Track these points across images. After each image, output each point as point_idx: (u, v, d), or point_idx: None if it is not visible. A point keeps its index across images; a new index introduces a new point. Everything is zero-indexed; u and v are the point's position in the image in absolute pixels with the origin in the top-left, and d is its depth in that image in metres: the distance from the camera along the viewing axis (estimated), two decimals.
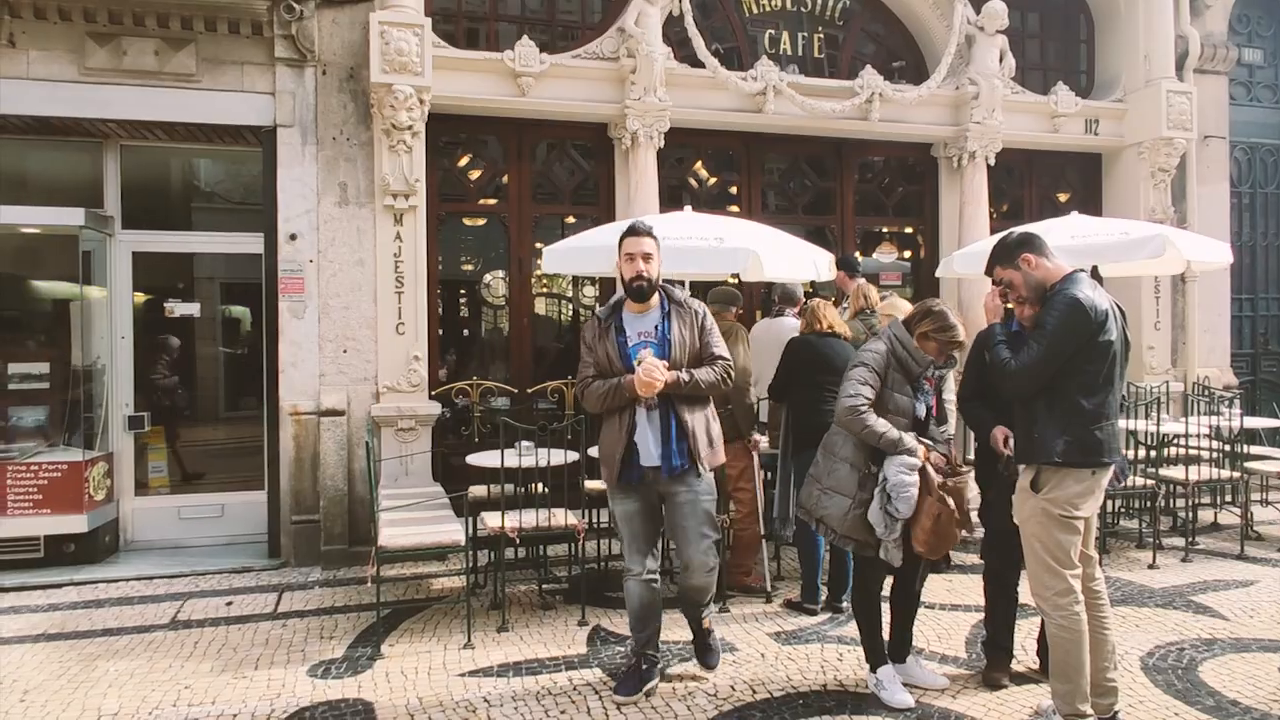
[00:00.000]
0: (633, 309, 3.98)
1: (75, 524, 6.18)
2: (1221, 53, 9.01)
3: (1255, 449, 7.46)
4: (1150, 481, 6.57)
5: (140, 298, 7.20)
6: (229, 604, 5.57)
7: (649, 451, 3.86)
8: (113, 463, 6.62)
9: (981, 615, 4.45)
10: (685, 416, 3.87)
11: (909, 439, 3.87)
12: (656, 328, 3.93)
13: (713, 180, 8.36)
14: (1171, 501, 7.27)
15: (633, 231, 3.96)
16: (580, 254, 5.87)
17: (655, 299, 3.98)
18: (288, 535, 6.45)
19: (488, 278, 8.58)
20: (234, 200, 8.18)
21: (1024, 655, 4.42)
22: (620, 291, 4.03)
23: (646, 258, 3.89)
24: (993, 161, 8.24)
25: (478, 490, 5.81)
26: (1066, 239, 6.00)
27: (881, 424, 3.84)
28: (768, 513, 5.68)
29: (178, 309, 7.18)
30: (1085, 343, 3.39)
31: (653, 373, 3.71)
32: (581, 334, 4.11)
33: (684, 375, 3.83)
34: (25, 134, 6.52)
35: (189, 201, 8.56)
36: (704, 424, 3.94)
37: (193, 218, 8.26)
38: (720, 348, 3.99)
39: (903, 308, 5.09)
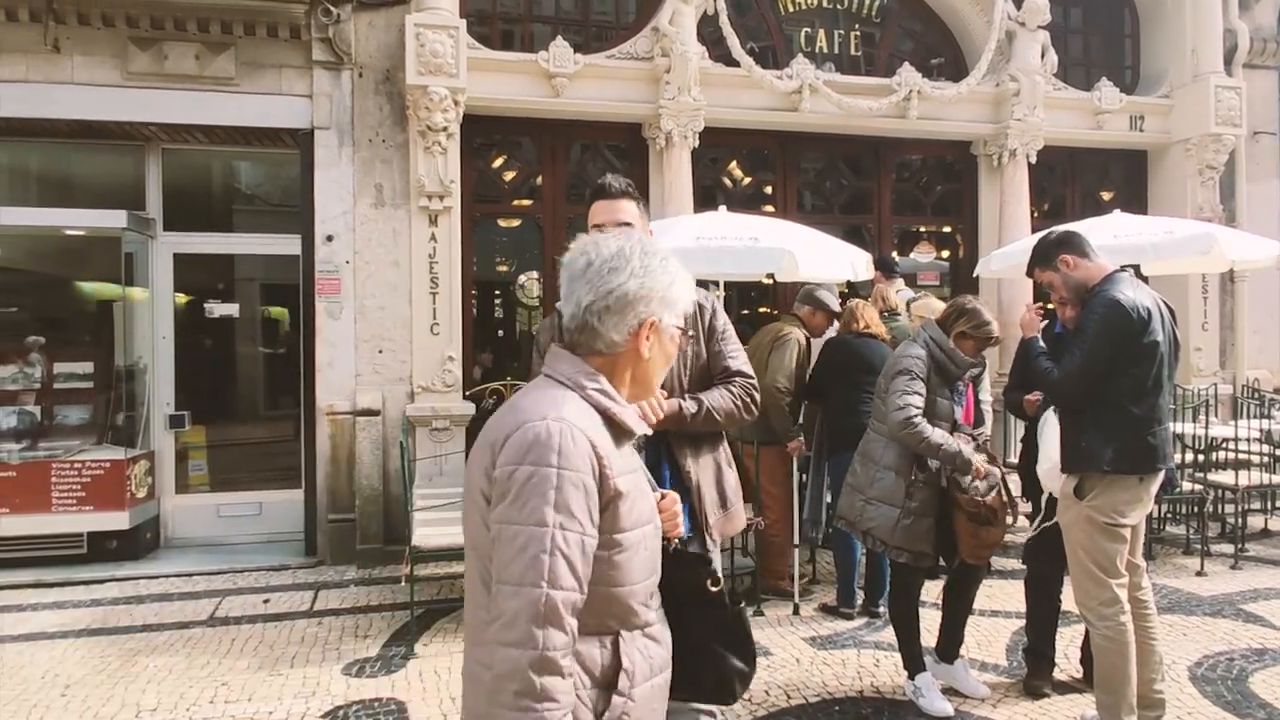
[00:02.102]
0: None
1: (117, 521, 6.29)
2: (1271, 47, 8.77)
3: None
4: (1198, 486, 6.40)
5: (182, 298, 7.31)
6: (266, 601, 5.62)
7: None
8: (154, 461, 6.72)
9: (1023, 622, 4.36)
10: (688, 464, 2.61)
11: (968, 450, 3.78)
12: None
13: (747, 180, 8.30)
14: (1220, 507, 7.07)
15: (602, 192, 2.67)
16: None
17: None
18: (324, 534, 6.51)
19: (522, 278, 8.59)
20: (273, 202, 8.28)
21: (1067, 663, 4.31)
22: None
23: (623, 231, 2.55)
24: (1034, 159, 8.10)
25: None
26: (1109, 238, 5.88)
27: (938, 435, 3.75)
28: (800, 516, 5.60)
29: (217, 310, 7.28)
30: (1129, 345, 3.29)
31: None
32: (535, 336, 2.75)
33: (689, 405, 2.58)
34: (70, 137, 6.65)
35: (230, 203, 8.69)
36: (714, 473, 2.68)
37: (234, 219, 8.38)
38: (738, 359, 2.74)
39: (937, 308, 4.99)
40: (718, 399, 2.64)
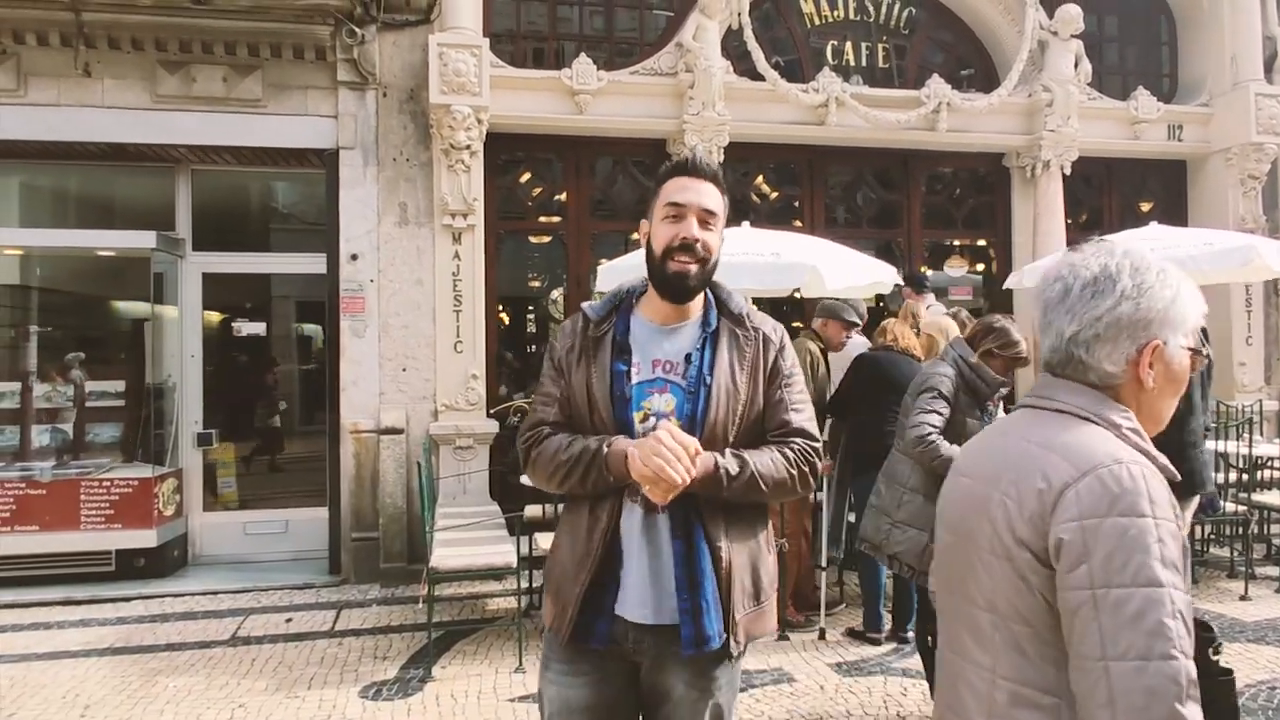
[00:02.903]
0: (654, 313, 2.09)
1: (145, 539, 6.34)
2: None
3: None
4: (1242, 508, 6.18)
5: (215, 317, 7.40)
6: (288, 620, 5.62)
7: (637, 593, 1.94)
8: (182, 478, 6.77)
9: None
10: (721, 542, 1.95)
11: None
12: (690, 358, 2.02)
13: (775, 194, 8.22)
14: (1266, 528, 6.83)
15: (685, 169, 2.06)
16: (636, 271, 5.77)
17: (697, 304, 2.10)
18: (348, 552, 6.51)
19: (555, 294, 8.58)
20: (307, 221, 8.38)
21: None
22: (631, 280, 2.20)
23: (707, 220, 2.02)
24: (1069, 170, 7.92)
25: (533, 510, 5.77)
26: (1146, 250, 5.70)
27: (956, 451, 3.64)
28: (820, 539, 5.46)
29: (245, 328, 7.35)
30: None
31: (667, 458, 1.81)
32: (549, 345, 2.21)
33: (728, 463, 1.92)
34: (101, 160, 6.76)
35: (265, 222, 8.80)
36: (749, 558, 2.01)
37: (271, 239, 8.48)
38: (803, 413, 2.08)
39: (945, 325, 4.85)
40: (768, 463, 1.97)
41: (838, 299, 5.57)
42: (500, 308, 7.81)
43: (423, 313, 6.66)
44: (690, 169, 2.04)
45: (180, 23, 6.20)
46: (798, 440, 2.03)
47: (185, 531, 6.82)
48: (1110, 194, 8.71)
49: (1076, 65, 7.92)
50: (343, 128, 6.61)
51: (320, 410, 7.67)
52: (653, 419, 1.98)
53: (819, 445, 2.08)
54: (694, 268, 1.99)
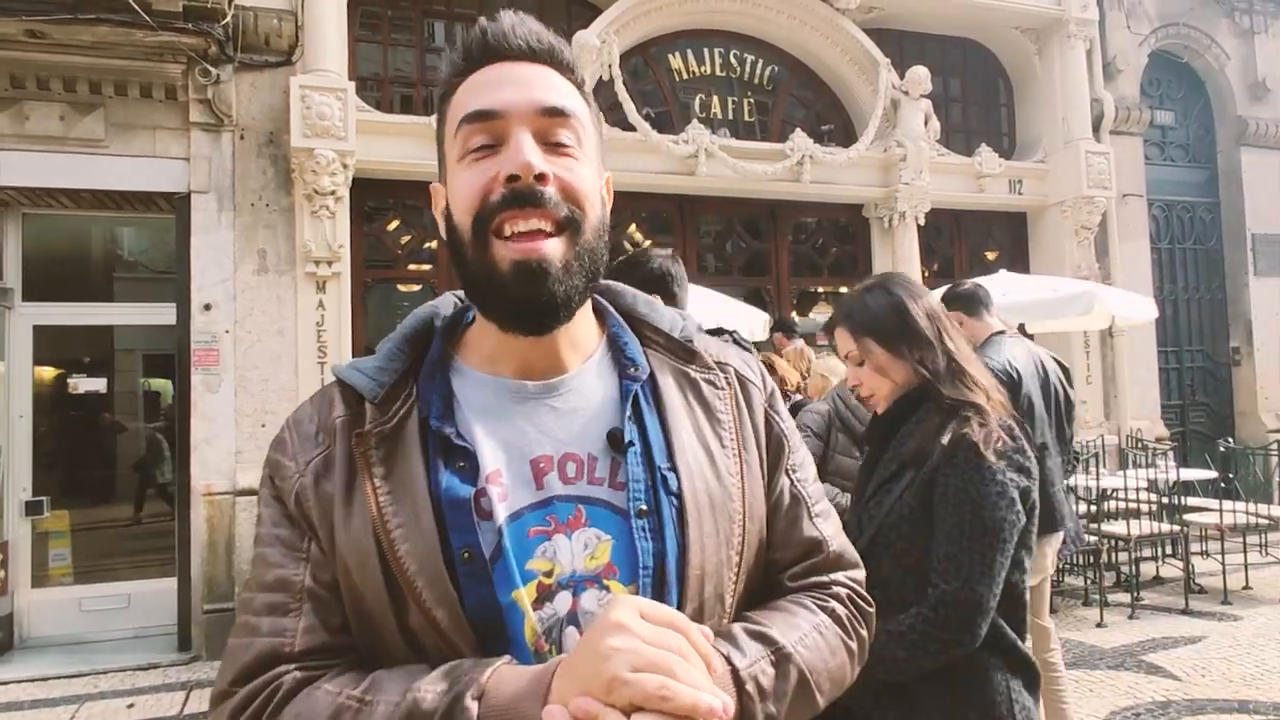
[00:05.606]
0: (499, 361, 0.99)
1: None
2: (1135, 114, 9.33)
3: (1191, 500, 7.50)
4: (1093, 538, 6.52)
5: (48, 373, 6.79)
6: (130, 706, 5.11)
7: None
8: (8, 552, 6.12)
9: None
10: None
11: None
12: (618, 439, 0.96)
13: (648, 242, 8.29)
14: (1114, 556, 7.23)
15: (485, 49, 0.97)
16: None
17: (587, 326, 1.04)
18: (199, 626, 6.01)
19: None
20: (155, 269, 7.86)
21: None
22: (430, 305, 1.08)
23: (555, 131, 0.95)
24: (923, 221, 8.34)
25: None
26: (998, 296, 6.01)
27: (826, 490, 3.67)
28: None
29: (82, 385, 6.78)
30: None
31: (671, 667, 0.73)
32: (264, 475, 1.00)
33: (753, 666, 0.88)
34: None
35: (109, 270, 8.19)
36: None
37: (115, 288, 7.89)
38: (831, 522, 1.10)
39: (836, 367, 4.95)
40: (815, 643, 0.98)
41: None
42: None
43: (284, 365, 6.31)
44: (494, 45, 0.99)
45: (12, 57, 5.73)
46: (841, 579, 1.08)
47: (11, 611, 6.14)
48: (960, 243, 9.22)
49: (927, 123, 8.39)
50: (195, 170, 6.25)
51: (165, 474, 7.14)
52: (567, 594, 0.93)
53: (863, 576, 1.12)
54: (551, 243, 0.93)
